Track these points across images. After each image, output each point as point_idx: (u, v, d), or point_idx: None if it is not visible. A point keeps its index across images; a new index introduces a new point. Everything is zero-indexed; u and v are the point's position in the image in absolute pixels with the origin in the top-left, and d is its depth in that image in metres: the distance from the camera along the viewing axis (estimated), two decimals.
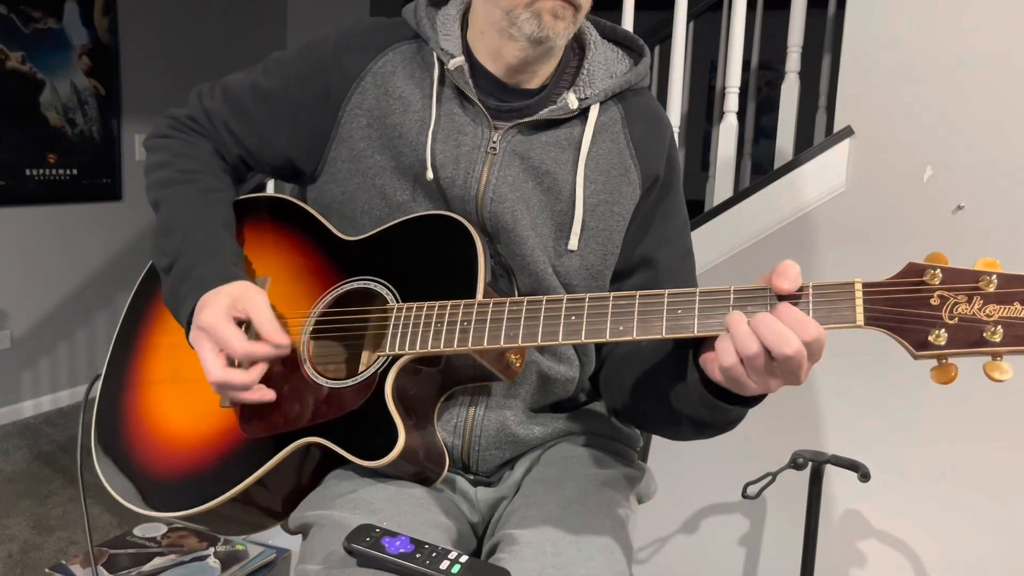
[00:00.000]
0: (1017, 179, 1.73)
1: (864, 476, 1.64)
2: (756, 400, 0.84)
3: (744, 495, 1.77)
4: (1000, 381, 0.70)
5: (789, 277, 0.76)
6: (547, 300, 0.88)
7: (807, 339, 0.73)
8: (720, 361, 0.77)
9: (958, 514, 1.87)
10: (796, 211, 1.96)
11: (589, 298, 0.86)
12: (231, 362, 0.97)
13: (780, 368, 0.75)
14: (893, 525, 1.95)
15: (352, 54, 1.07)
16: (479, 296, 0.93)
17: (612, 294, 0.86)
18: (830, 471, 1.79)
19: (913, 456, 1.89)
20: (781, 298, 0.77)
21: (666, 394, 0.93)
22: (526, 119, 1.04)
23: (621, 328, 0.83)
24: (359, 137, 1.05)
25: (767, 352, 0.74)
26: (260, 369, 0.97)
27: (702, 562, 2.16)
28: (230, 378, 0.95)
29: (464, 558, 0.81)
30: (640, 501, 1.13)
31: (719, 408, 0.85)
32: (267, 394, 0.97)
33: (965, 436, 1.84)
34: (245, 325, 0.98)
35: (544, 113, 1.04)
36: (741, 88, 2.15)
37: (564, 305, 0.87)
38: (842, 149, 1.89)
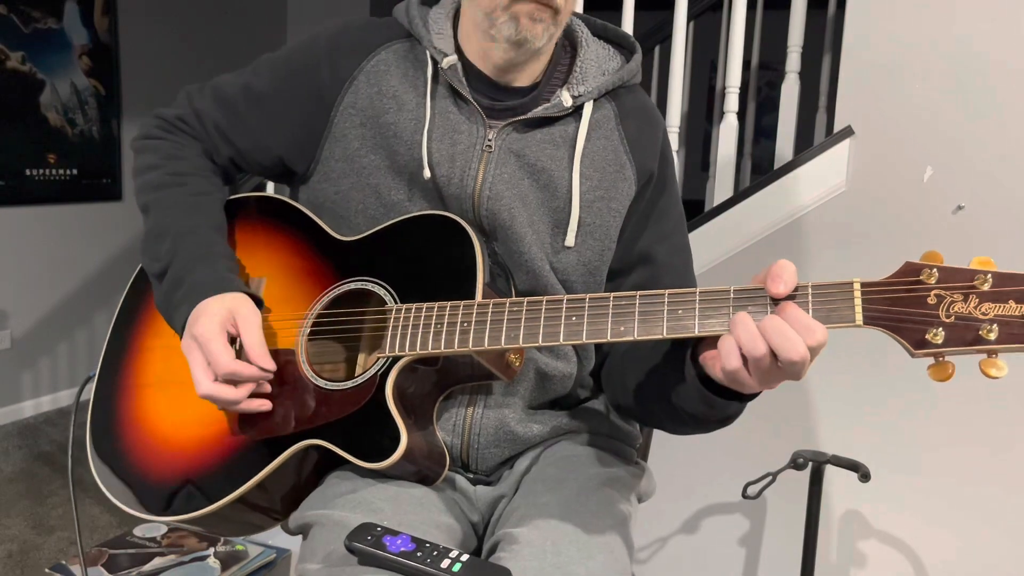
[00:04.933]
0: (1017, 179, 1.73)
1: (864, 476, 1.64)
2: (754, 395, 0.84)
3: (744, 495, 1.77)
4: (996, 378, 0.71)
5: (783, 279, 0.76)
6: (547, 300, 0.88)
7: (812, 343, 0.73)
8: (724, 363, 0.77)
9: (959, 514, 1.87)
10: (796, 211, 1.96)
11: (590, 298, 0.86)
12: None
13: (785, 370, 0.75)
14: (893, 525, 1.95)
15: (344, 53, 1.07)
16: (478, 297, 0.93)
17: (612, 294, 0.85)
18: (830, 471, 1.79)
19: (913, 456, 1.89)
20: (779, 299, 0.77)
21: (666, 391, 0.93)
22: (520, 117, 1.04)
23: (622, 328, 0.83)
24: (353, 136, 1.05)
25: (773, 355, 0.74)
26: (248, 388, 0.96)
27: (702, 562, 2.16)
28: (218, 393, 0.95)
29: (465, 557, 0.81)
30: (640, 500, 1.13)
31: (717, 404, 0.86)
32: (262, 405, 0.97)
33: (965, 436, 1.84)
34: (238, 343, 0.97)
35: (539, 111, 1.04)
36: (741, 88, 2.15)
37: (564, 305, 0.87)
38: (842, 149, 1.89)
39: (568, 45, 1.11)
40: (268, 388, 0.99)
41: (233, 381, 0.95)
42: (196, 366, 0.95)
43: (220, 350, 0.94)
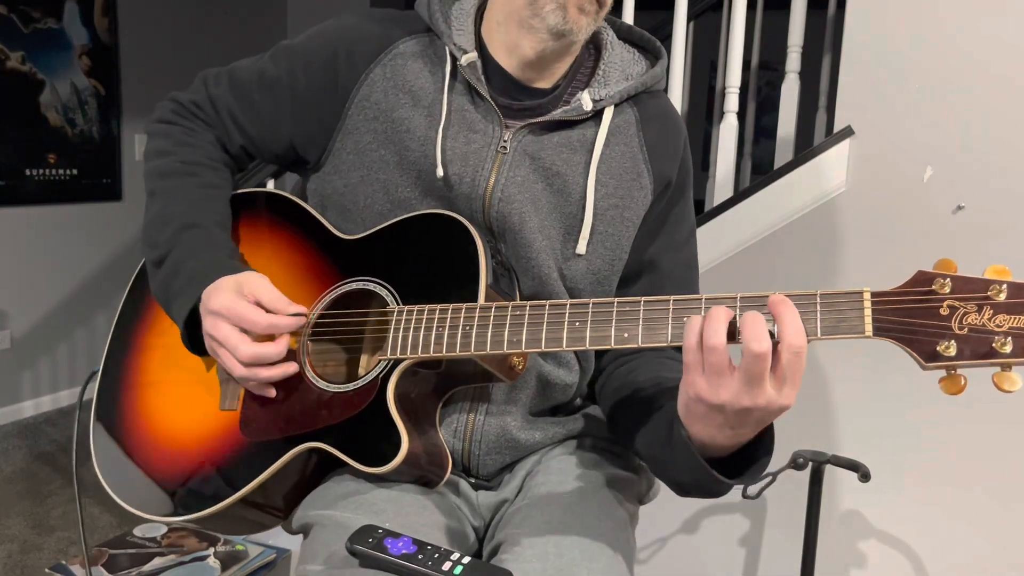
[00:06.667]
0: (1017, 179, 1.73)
1: (864, 476, 1.64)
2: (741, 472, 0.81)
3: (744, 495, 1.76)
4: (1010, 392, 0.69)
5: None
6: (550, 304, 0.87)
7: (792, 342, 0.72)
8: (684, 341, 0.75)
9: (958, 514, 1.87)
10: (796, 211, 1.96)
11: (593, 303, 0.85)
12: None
13: (744, 366, 0.72)
14: (893, 525, 1.95)
15: (362, 45, 1.05)
16: (481, 299, 0.92)
17: (616, 300, 0.84)
18: (830, 471, 1.79)
19: (913, 456, 1.89)
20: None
21: (654, 455, 0.91)
22: (539, 119, 1.02)
23: (626, 335, 0.82)
24: (365, 130, 1.03)
25: (732, 335, 0.73)
26: (286, 341, 0.96)
27: (702, 562, 2.16)
28: (262, 351, 0.93)
29: (466, 559, 0.81)
30: (641, 502, 1.12)
31: (703, 473, 0.81)
32: (290, 367, 0.97)
33: (966, 436, 1.83)
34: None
35: (557, 113, 1.02)
36: (741, 88, 2.15)
37: (568, 310, 0.85)
38: (842, 149, 1.89)
39: (592, 47, 1.09)
40: (272, 390, 0.98)
41: (269, 338, 0.95)
42: (230, 336, 0.94)
43: (249, 309, 0.94)
